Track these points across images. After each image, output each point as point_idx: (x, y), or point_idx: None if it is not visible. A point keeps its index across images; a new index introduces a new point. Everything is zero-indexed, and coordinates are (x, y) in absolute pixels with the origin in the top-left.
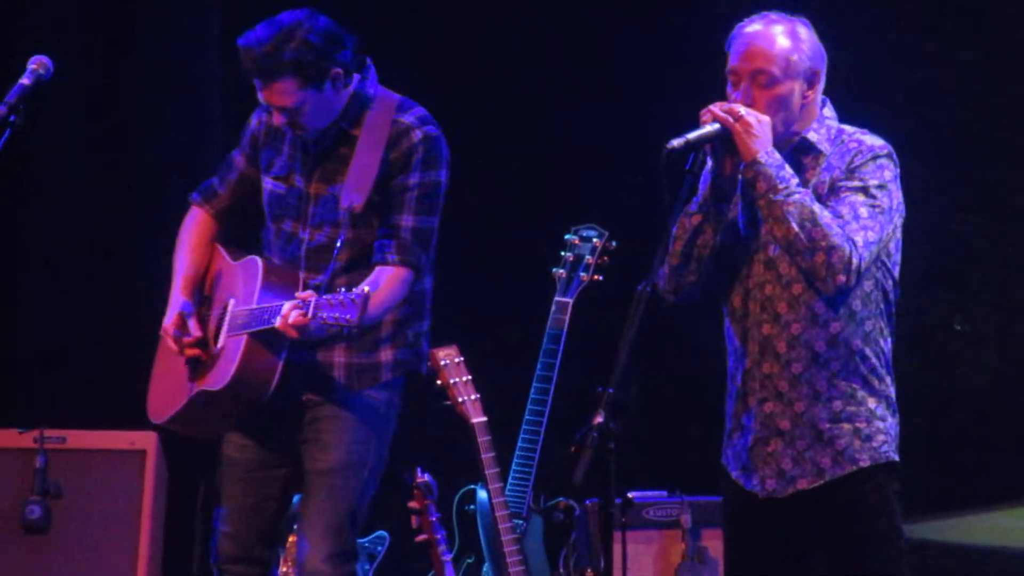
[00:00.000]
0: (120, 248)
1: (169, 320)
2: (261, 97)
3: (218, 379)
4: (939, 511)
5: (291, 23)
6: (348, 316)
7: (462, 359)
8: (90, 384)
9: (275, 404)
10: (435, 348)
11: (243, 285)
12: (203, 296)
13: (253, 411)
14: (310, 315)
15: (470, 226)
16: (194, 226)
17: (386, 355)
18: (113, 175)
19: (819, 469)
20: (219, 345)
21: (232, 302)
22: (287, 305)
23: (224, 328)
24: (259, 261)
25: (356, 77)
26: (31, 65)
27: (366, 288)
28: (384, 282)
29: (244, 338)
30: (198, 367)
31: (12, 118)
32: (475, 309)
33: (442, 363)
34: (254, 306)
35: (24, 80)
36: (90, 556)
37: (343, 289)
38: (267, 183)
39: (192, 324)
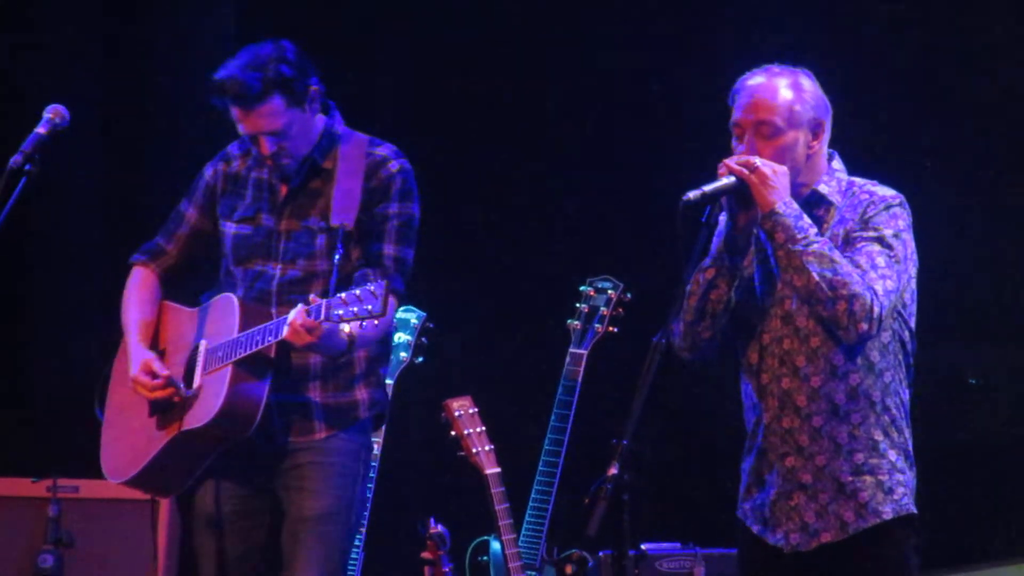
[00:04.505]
0: None
1: (136, 369)
2: (243, 129)
3: (202, 416)
4: (951, 565)
5: (266, 49)
6: (370, 307)
7: (476, 410)
8: None
9: (256, 448)
10: (449, 399)
11: (216, 323)
12: (158, 350)
13: (232, 451)
14: (323, 316)
15: (485, 277)
16: (140, 282)
17: (361, 394)
18: (130, 231)
19: (842, 523)
20: (195, 385)
21: (204, 343)
22: (295, 311)
23: (199, 368)
24: (234, 298)
25: (323, 118)
26: (47, 114)
27: (385, 281)
28: None
29: (228, 368)
30: (169, 414)
31: (28, 167)
32: (490, 360)
33: (456, 414)
34: (236, 337)
35: (40, 129)
36: None
37: (353, 287)
38: (230, 228)
39: (159, 366)
